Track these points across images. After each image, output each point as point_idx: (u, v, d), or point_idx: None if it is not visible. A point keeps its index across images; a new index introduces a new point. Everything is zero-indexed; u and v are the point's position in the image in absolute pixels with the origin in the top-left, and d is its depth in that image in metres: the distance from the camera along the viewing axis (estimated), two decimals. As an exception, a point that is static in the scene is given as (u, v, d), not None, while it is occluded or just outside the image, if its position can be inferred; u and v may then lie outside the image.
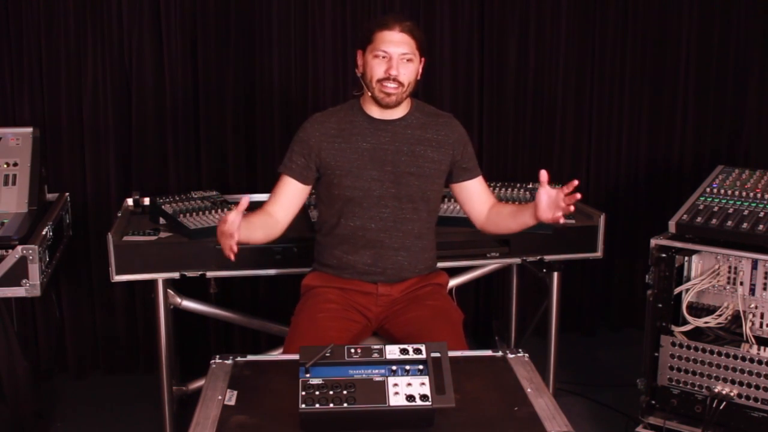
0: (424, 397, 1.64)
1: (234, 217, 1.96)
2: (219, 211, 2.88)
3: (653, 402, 2.83)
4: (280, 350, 2.40)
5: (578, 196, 2.11)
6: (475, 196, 2.46)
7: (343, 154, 2.34)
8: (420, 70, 2.35)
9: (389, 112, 2.35)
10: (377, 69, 2.28)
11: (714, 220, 2.70)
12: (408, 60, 2.27)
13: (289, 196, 2.37)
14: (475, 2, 3.64)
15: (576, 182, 2.10)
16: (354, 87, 2.38)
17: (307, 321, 2.28)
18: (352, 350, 1.73)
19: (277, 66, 3.51)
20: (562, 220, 2.16)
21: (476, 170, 2.47)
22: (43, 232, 2.63)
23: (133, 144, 3.45)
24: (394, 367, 1.70)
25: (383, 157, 2.34)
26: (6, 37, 3.29)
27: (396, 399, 1.63)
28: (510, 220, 2.37)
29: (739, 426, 2.66)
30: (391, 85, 2.27)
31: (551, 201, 2.15)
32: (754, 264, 2.63)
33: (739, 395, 2.65)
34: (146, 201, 3.07)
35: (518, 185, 3.20)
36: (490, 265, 3.13)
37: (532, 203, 2.23)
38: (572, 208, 2.12)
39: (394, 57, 2.26)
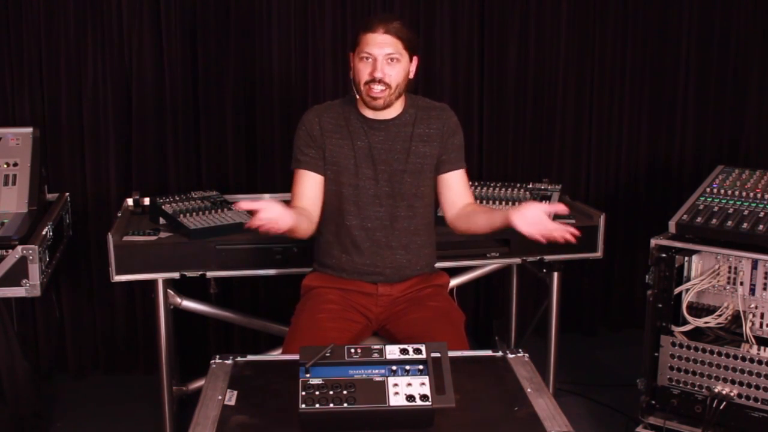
0: (424, 397, 1.63)
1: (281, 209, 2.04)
2: (219, 211, 2.88)
3: (653, 402, 2.83)
4: (280, 350, 2.40)
5: (573, 231, 2.07)
6: (450, 190, 2.40)
7: (341, 151, 2.34)
8: (413, 70, 2.34)
9: (384, 112, 2.34)
10: (363, 72, 2.26)
11: (714, 220, 2.70)
12: (394, 60, 2.25)
13: (315, 190, 2.36)
14: (475, 2, 3.64)
15: (562, 209, 2.11)
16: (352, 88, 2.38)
17: (307, 321, 2.28)
18: (352, 350, 1.73)
19: (277, 66, 3.51)
20: (541, 239, 2.11)
21: (457, 163, 2.41)
22: (43, 232, 2.63)
23: (133, 144, 3.44)
24: (394, 367, 1.70)
25: (377, 156, 2.34)
26: (6, 37, 3.29)
27: (396, 399, 1.63)
28: (481, 217, 2.30)
29: (739, 426, 2.65)
30: (377, 88, 2.25)
31: (537, 218, 2.09)
32: (754, 264, 2.63)
33: (739, 395, 2.65)
34: (146, 201, 3.07)
35: (518, 185, 3.20)
36: (490, 265, 3.13)
37: (506, 210, 2.18)
38: (564, 237, 2.08)
39: (379, 58, 2.24)
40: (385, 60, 2.24)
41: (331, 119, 2.37)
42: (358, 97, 2.33)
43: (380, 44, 2.24)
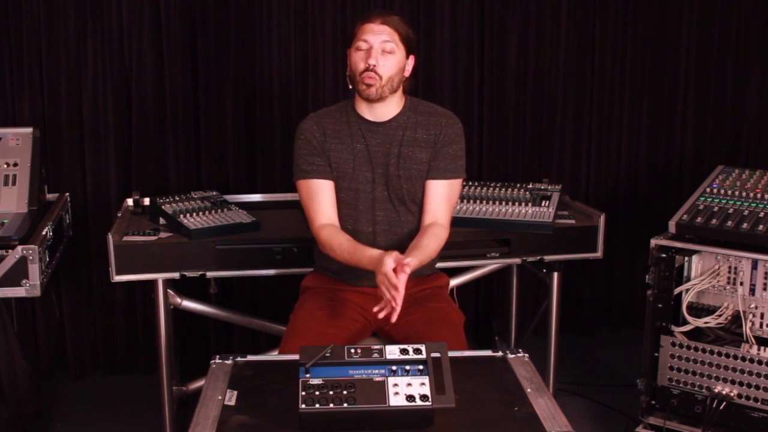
0: (424, 397, 1.64)
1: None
2: (219, 211, 2.88)
3: (653, 402, 2.83)
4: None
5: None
6: (426, 197, 2.35)
7: (341, 155, 2.33)
8: (409, 69, 2.33)
9: (381, 113, 2.33)
10: (359, 62, 2.25)
11: (714, 220, 2.70)
12: (389, 51, 2.24)
13: (333, 198, 2.33)
14: (475, 2, 3.64)
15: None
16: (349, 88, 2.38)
17: (305, 320, 2.28)
18: (352, 350, 1.73)
19: (277, 66, 3.50)
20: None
21: (445, 173, 2.34)
22: (43, 232, 2.63)
23: (133, 144, 3.44)
24: (394, 367, 1.70)
25: (375, 159, 2.33)
26: (6, 37, 3.29)
27: (396, 399, 1.63)
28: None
29: (739, 426, 2.66)
30: (369, 75, 2.23)
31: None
32: (754, 264, 2.63)
33: (739, 395, 2.65)
34: (146, 201, 3.07)
35: (518, 185, 3.20)
36: (490, 265, 3.13)
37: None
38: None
39: (374, 46, 2.23)
40: (380, 49, 2.23)
41: (331, 124, 2.35)
42: (356, 94, 2.32)
43: (376, 32, 2.23)
